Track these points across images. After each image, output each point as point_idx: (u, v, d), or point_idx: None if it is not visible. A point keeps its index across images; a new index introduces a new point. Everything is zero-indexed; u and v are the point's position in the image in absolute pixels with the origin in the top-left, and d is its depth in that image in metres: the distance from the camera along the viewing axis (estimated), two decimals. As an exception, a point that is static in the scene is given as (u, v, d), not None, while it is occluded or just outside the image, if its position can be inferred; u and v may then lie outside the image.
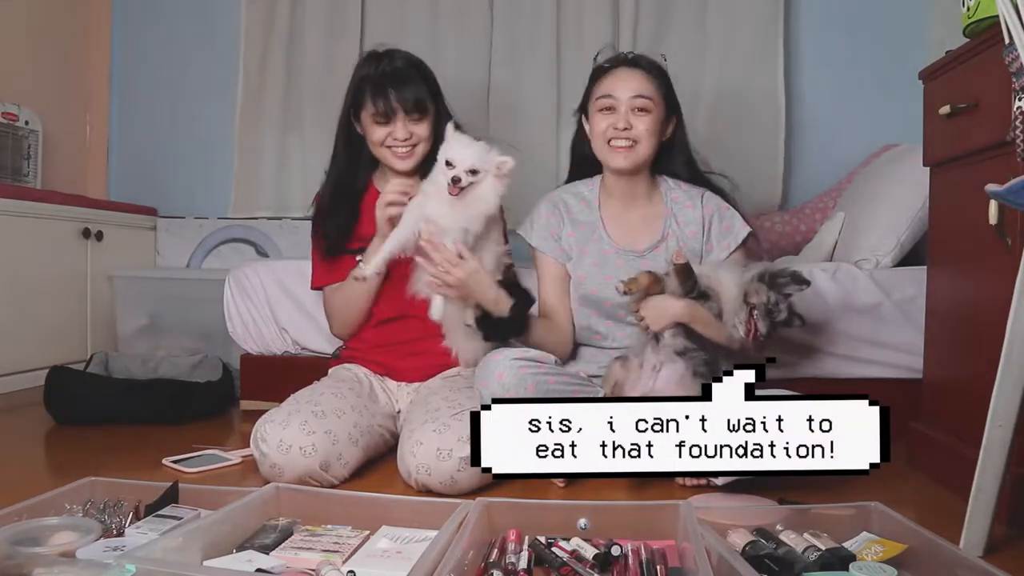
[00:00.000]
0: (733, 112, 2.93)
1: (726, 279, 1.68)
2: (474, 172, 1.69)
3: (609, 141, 1.79)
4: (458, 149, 1.71)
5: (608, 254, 1.85)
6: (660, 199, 1.90)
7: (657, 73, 1.83)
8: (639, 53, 1.87)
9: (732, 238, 1.86)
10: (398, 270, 1.87)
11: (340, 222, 1.91)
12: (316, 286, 1.99)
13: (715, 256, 1.85)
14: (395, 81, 1.83)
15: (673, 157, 1.90)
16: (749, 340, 1.63)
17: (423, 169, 1.86)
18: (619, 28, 2.98)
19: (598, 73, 1.86)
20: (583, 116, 1.90)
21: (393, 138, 1.84)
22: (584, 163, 1.94)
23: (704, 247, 1.86)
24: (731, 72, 2.95)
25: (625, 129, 1.77)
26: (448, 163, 1.70)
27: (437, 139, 1.84)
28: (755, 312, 1.62)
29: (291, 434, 1.56)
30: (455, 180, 1.67)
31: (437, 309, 1.78)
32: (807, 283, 1.66)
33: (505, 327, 1.75)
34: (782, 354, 2.10)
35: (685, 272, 1.64)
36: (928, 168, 1.81)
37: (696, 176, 1.92)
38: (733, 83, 2.94)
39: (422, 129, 1.86)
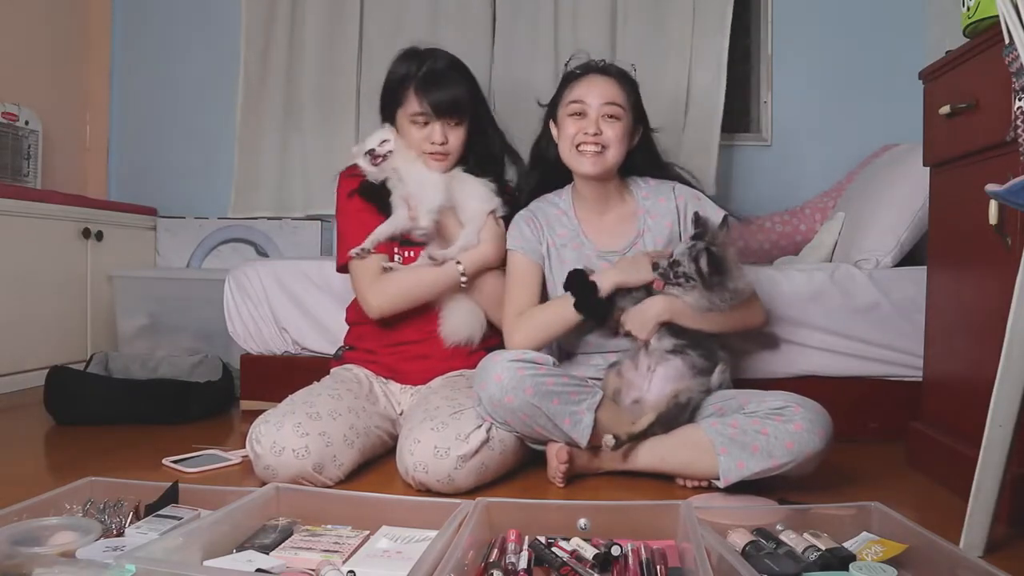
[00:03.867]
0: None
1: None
2: (385, 141, 1.84)
3: (578, 146, 1.79)
4: (368, 139, 1.87)
5: (591, 258, 1.86)
6: (632, 198, 1.91)
7: (627, 81, 1.84)
8: (609, 62, 1.87)
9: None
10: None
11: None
12: (343, 262, 1.92)
13: None
14: (437, 83, 1.83)
15: (641, 160, 1.90)
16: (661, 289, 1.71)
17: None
18: (615, 28, 2.98)
19: (569, 79, 1.86)
20: (551, 121, 1.90)
21: (430, 142, 1.85)
22: (546, 166, 1.95)
23: (683, 236, 1.86)
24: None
25: (596, 134, 1.77)
26: (367, 152, 1.84)
27: (475, 142, 1.91)
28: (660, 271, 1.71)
29: (284, 436, 1.56)
30: (372, 153, 1.83)
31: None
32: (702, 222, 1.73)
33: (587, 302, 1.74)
34: (781, 353, 2.11)
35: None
36: (928, 168, 1.81)
37: (665, 172, 1.94)
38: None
39: (457, 135, 1.87)
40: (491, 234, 1.87)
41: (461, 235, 1.85)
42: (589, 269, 1.78)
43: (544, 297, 1.88)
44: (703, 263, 1.65)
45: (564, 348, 1.90)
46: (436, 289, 1.86)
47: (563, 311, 1.75)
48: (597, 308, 1.74)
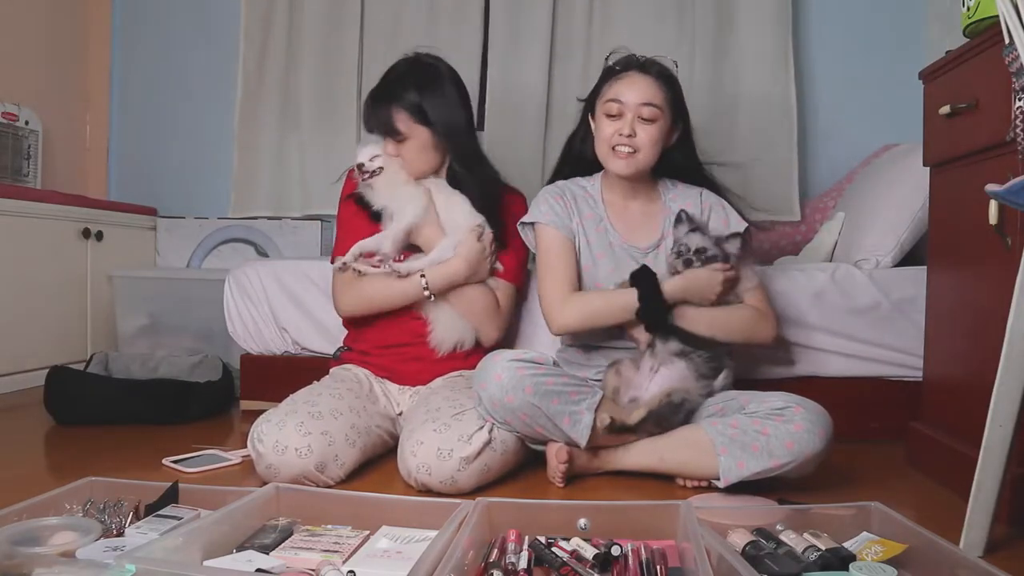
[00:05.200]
0: (746, 120, 2.93)
1: None
2: (375, 157, 1.84)
3: (613, 147, 1.78)
4: (360, 152, 1.87)
5: (615, 246, 1.85)
6: (659, 197, 1.90)
7: (667, 80, 1.80)
8: (651, 58, 1.82)
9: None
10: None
11: None
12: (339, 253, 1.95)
13: None
14: (383, 99, 1.85)
15: (676, 160, 1.89)
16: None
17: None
18: (608, 27, 2.98)
19: (608, 75, 1.82)
20: (589, 115, 1.88)
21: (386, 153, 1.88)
22: (580, 162, 1.93)
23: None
24: (741, 79, 2.94)
25: (629, 136, 1.75)
26: (358, 166, 1.85)
27: (459, 153, 1.90)
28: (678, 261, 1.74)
29: (287, 435, 1.56)
30: (360, 168, 1.84)
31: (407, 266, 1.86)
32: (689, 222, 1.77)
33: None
34: (781, 353, 2.11)
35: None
36: (928, 168, 1.81)
37: (698, 178, 1.93)
38: (742, 89, 2.94)
39: (409, 149, 1.86)
40: (466, 250, 1.85)
41: (437, 247, 1.85)
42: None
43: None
44: (731, 247, 1.72)
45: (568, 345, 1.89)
46: (401, 299, 1.87)
47: (623, 305, 1.73)
48: (660, 317, 1.71)
